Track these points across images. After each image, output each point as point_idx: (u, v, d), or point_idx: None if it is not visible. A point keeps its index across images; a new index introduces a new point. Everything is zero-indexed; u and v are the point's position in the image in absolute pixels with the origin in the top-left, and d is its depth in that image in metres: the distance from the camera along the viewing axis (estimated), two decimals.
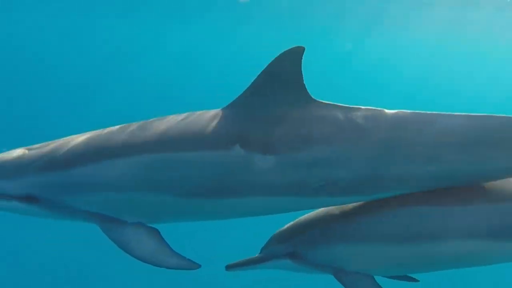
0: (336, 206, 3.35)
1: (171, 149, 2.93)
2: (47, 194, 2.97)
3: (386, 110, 3.09)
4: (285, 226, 3.61)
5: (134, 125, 3.11)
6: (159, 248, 3.00)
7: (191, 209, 3.05)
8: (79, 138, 3.09)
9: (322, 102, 3.09)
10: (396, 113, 3.07)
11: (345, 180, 2.99)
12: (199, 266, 2.99)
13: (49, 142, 3.12)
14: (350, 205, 3.34)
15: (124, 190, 2.95)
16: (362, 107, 3.09)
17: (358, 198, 3.16)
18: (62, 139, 3.13)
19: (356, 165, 2.97)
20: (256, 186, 2.96)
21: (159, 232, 3.07)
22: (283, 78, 3.01)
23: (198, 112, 3.13)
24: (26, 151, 3.05)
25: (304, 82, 3.07)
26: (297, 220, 3.58)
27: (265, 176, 2.95)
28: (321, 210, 3.46)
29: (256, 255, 3.61)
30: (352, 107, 3.08)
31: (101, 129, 3.14)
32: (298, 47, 2.96)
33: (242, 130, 2.96)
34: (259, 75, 3.01)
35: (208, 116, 3.06)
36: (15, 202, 2.99)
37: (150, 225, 3.10)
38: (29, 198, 2.98)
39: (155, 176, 2.93)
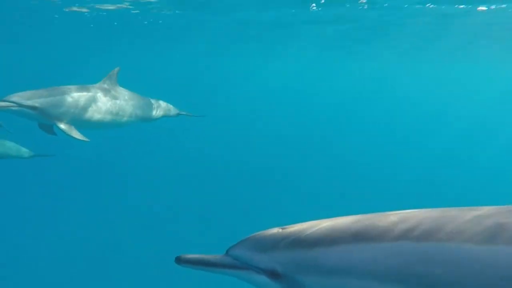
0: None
1: (445, 240, 2.66)
2: (289, 271, 2.99)
3: None
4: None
5: (395, 212, 2.97)
6: None
7: None
8: (330, 220, 3.08)
9: None
10: None
11: None
12: None
13: (305, 222, 3.15)
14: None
15: (365, 279, 2.79)
16: None
17: None
18: (319, 220, 3.14)
19: None
20: None
21: None
22: None
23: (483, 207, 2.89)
24: (280, 230, 3.13)
25: None
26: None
27: None
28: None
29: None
30: None
31: (362, 215, 3.07)
32: None
33: None
34: None
35: (497, 209, 2.81)
36: (263, 275, 3.06)
37: None
38: (273, 274, 3.02)
39: (413, 267, 2.69)
